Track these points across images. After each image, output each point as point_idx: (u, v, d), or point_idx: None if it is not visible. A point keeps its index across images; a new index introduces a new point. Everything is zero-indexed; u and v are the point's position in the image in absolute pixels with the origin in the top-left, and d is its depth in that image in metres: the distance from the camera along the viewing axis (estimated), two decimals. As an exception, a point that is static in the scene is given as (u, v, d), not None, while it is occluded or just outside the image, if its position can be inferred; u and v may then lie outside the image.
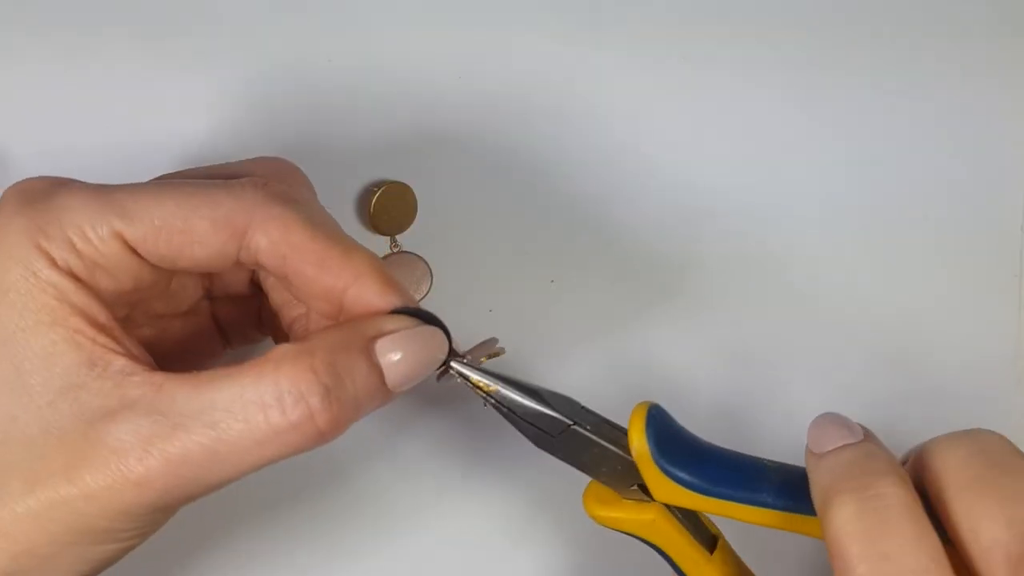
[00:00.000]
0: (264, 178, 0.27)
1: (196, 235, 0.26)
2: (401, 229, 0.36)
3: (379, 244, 0.36)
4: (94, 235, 0.25)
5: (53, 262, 0.25)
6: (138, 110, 0.34)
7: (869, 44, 0.41)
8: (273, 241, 0.26)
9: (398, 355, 0.26)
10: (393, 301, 0.27)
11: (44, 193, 0.25)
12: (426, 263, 0.36)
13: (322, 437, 0.25)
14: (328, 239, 0.26)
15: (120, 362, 0.25)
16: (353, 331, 0.26)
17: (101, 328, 0.25)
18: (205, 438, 0.24)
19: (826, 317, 0.42)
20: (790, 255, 0.41)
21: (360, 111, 0.36)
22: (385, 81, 0.36)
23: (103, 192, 0.25)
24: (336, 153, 0.36)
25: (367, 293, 0.27)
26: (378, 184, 0.36)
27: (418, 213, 0.36)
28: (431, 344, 0.27)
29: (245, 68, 0.35)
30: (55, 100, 0.33)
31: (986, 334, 0.44)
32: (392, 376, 0.26)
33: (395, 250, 0.36)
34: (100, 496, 0.24)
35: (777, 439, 0.42)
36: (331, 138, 0.36)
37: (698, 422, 0.36)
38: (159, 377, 0.25)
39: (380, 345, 0.26)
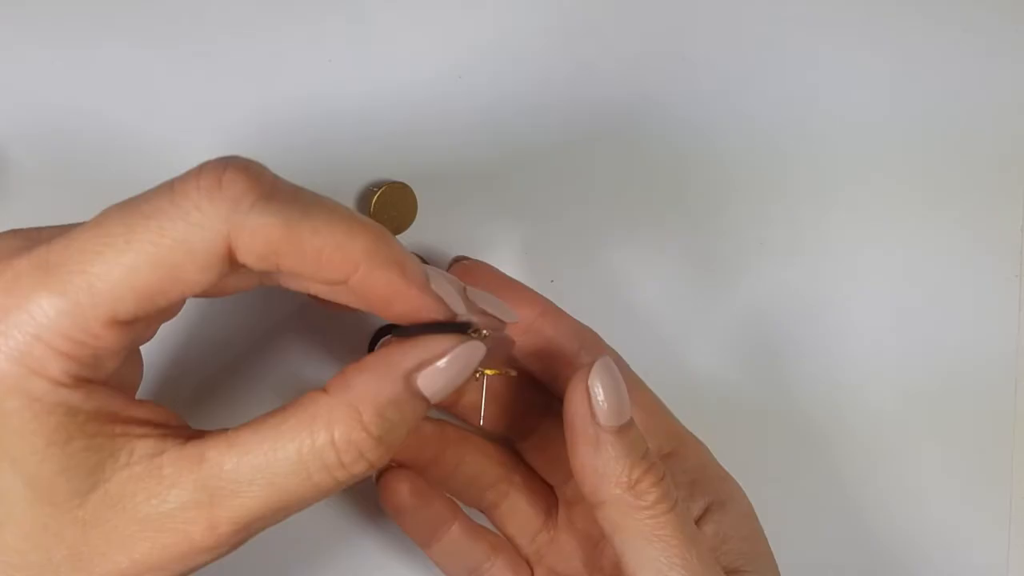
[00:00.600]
0: (216, 181, 0.24)
1: (182, 287, 0.24)
2: (401, 229, 0.36)
3: (379, 244, 0.36)
4: (84, 335, 0.23)
5: (54, 380, 0.23)
6: (138, 110, 0.34)
7: (868, 42, 0.42)
8: (260, 255, 0.24)
9: (441, 382, 0.26)
10: (401, 291, 0.25)
11: (5, 313, 0.23)
12: (426, 263, 0.36)
13: (375, 469, 0.26)
14: (314, 233, 0.24)
15: (144, 445, 0.24)
16: (392, 370, 0.26)
17: (116, 419, 0.24)
18: (269, 498, 0.24)
19: (826, 316, 0.42)
20: (789, 257, 0.41)
21: (360, 111, 0.36)
22: (385, 81, 0.36)
23: (67, 287, 0.23)
24: (336, 153, 0.36)
25: (374, 284, 0.25)
26: (378, 184, 0.36)
27: (418, 213, 0.36)
28: (470, 358, 0.27)
29: (245, 69, 0.35)
30: (55, 100, 0.33)
31: (986, 334, 0.44)
32: (435, 395, 0.26)
33: (395, 250, 0.36)
34: (176, 567, 0.24)
35: (780, 438, 0.42)
36: (331, 138, 0.36)
37: (698, 418, 0.36)
38: (193, 449, 0.24)
39: (422, 379, 0.26)
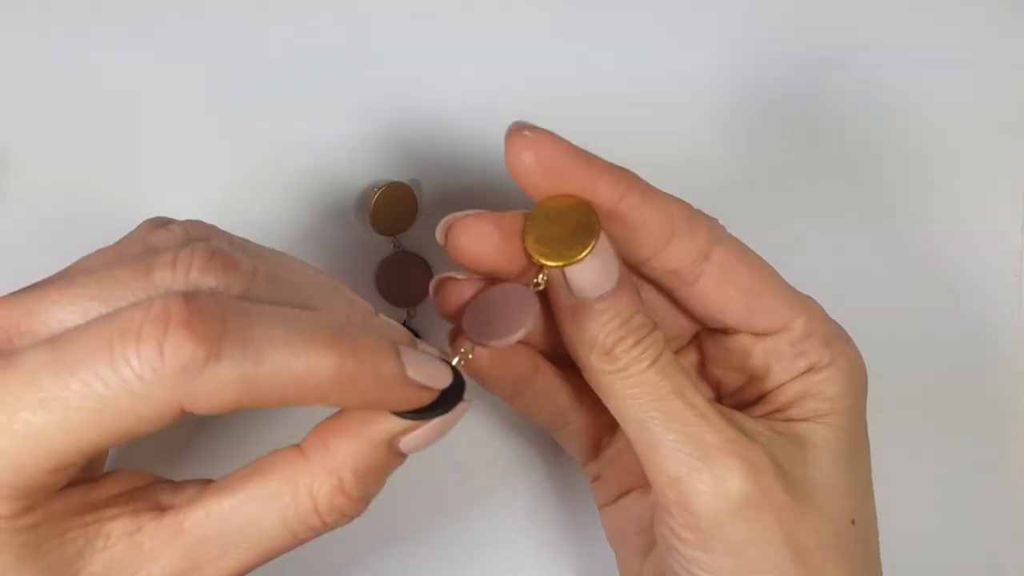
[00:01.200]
0: (157, 350, 0.21)
1: (129, 437, 0.22)
2: (401, 229, 0.36)
3: (379, 244, 0.36)
4: (29, 483, 0.22)
5: (7, 517, 0.22)
6: (138, 110, 0.34)
7: (867, 41, 0.42)
8: (217, 411, 0.22)
9: (423, 442, 0.26)
10: (379, 397, 0.24)
11: None
12: (426, 263, 0.37)
13: (354, 519, 0.26)
14: (273, 381, 0.22)
15: (119, 526, 0.24)
16: (374, 436, 0.25)
17: (84, 509, 0.24)
18: (255, 556, 0.25)
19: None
20: (787, 256, 0.41)
21: (360, 111, 0.36)
22: (385, 81, 0.36)
23: (4, 445, 0.22)
24: (336, 153, 0.36)
25: (348, 402, 0.24)
26: (378, 184, 0.36)
27: (418, 213, 0.36)
28: (455, 419, 0.26)
29: (245, 69, 0.35)
30: (55, 100, 0.33)
31: (986, 334, 0.44)
32: (414, 451, 0.26)
33: (395, 250, 0.36)
34: None
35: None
36: (331, 138, 0.36)
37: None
38: (171, 520, 0.24)
39: (405, 442, 0.26)
